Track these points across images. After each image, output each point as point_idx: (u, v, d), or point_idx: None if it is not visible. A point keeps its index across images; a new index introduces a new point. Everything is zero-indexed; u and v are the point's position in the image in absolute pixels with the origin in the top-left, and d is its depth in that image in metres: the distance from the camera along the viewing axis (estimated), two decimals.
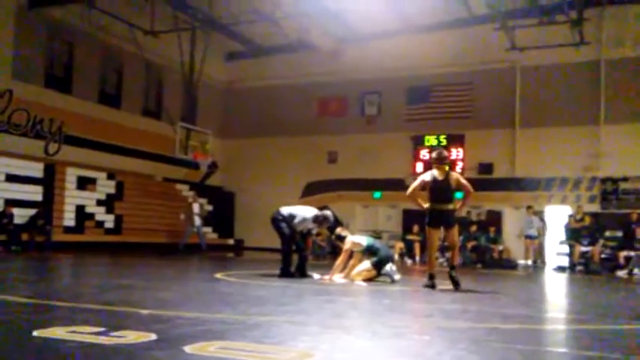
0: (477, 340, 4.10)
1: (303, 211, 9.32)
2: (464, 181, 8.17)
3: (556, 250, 16.94)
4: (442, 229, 8.14)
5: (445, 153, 8.50)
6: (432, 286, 7.96)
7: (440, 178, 8.05)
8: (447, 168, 8.25)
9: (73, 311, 4.73)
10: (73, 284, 7.82)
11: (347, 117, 22.27)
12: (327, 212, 9.44)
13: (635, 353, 3.86)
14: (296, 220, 9.12)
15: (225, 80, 24.15)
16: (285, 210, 9.27)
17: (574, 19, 16.56)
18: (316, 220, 9.24)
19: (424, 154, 20.83)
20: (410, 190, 8.22)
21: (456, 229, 8.21)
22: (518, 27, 17.53)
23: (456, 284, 7.91)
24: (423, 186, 8.14)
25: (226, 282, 8.08)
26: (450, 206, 8.07)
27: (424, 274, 8.81)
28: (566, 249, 16.30)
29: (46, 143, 17.39)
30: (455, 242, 8.28)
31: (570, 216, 16.92)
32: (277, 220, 9.18)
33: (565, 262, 16.12)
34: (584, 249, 15.32)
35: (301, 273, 9.13)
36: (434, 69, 20.64)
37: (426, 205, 8.09)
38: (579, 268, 15.16)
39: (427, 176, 8.14)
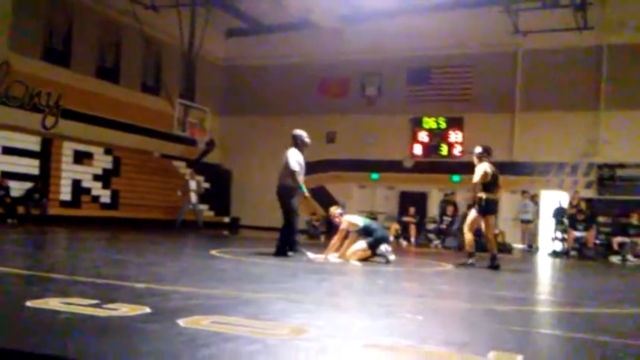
0: (470, 320, 4.12)
1: (288, 156, 9.01)
2: None
3: (551, 235, 16.98)
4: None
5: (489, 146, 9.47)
6: (473, 264, 8.77)
7: (494, 169, 8.99)
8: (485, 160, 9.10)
9: (68, 283, 4.73)
10: (68, 258, 7.82)
11: (347, 98, 22.14)
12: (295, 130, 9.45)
13: (625, 337, 3.88)
14: (289, 161, 8.82)
15: (224, 57, 23.97)
16: (280, 176, 8.96)
17: (578, 2, 16.41)
18: (295, 144, 9.23)
19: (422, 136, 20.80)
20: (478, 180, 8.91)
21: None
22: (522, 10, 17.38)
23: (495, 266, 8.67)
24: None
25: (221, 259, 8.09)
26: (498, 195, 9.10)
27: (419, 255, 8.93)
28: (560, 234, 16.34)
29: (43, 117, 17.31)
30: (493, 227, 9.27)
31: (566, 202, 16.93)
32: (278, 194, 8.92)
33: (559, 247, 16.18)
34: (578, 234, 15.35)
35: (291, 247, 8.83)
36: (435, 50, 20.50)
37: (480, 194, 8.83)
38: (573, 253, 15.22)
39: (488, 168, 8.96)
